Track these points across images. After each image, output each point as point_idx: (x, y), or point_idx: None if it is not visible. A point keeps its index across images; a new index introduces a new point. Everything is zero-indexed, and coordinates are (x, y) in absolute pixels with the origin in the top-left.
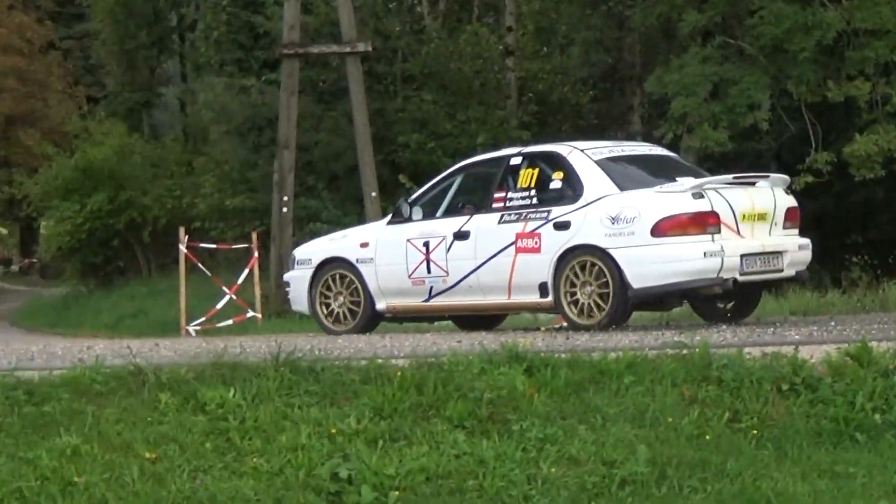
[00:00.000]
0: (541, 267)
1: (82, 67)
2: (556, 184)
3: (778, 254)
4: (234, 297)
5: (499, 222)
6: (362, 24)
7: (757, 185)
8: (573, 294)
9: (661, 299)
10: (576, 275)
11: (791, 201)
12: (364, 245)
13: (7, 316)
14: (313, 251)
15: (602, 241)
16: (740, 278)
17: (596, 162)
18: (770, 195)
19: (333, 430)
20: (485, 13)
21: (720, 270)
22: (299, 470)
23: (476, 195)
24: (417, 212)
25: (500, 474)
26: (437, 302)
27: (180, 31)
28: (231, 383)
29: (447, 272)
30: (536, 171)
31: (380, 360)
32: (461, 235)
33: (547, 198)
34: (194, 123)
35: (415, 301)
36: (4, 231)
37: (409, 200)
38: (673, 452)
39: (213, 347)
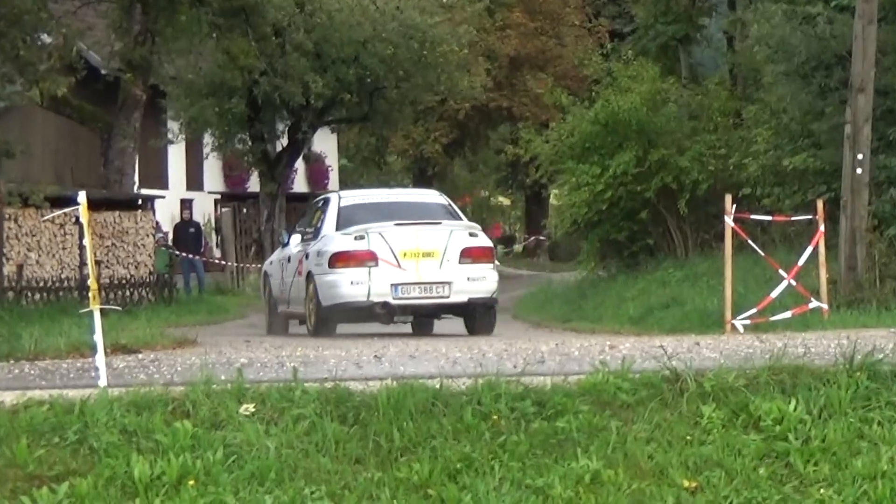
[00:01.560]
0: (302, 286)
1: None
2: (319, 223)
3: (444, 283)
4: (793, 282)
5: (298, 251)
6: None
7: (433, 227)
8: (310, 307)
9: (344, 316)
10: (309, 293)
11: (472, 242)
12: (271, 263)
13: (509, 307)
14: (266, 264)
15: (314, 269)
16: (393, 302)
17: (340, 207)
18: (442, 237)
19: None
20: None
21: (369, 295)
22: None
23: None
24: (295, 238)
25: None
26: (290, 309)
27: None
28: (792, 393)
29: (288, 286)
30: (320, 212)
31: None
32: (288, 259)
33: (313, 233)
34: (744, 63)
35: (286, 308)
36: (506, 201)
37: (289, 230)
38: None
39: (768, 347)
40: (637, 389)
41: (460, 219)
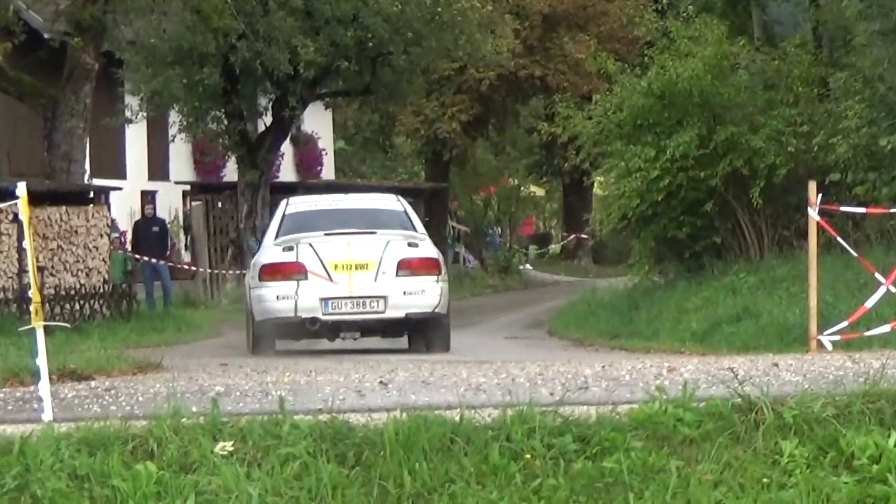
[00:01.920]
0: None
1: None
2: (267, 231)
3: (378, 298)
4: (892, 288)
5: (252, 261)
6: None
7: (367, 236)
8: (248, 322)
9: (277, 332)
10: (248, 307)
11: (411, 253)
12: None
13: (543, 320)
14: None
15: (250, 282)
16: (323, 317)
17: (285, 215)
18: (377, 247)
19: None
20: None
21: (296, 310)
22: None
23: None
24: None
25: None
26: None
27: None
28: (892, 425)
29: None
30: (273, 218)
31: None
32: (250, 269)
33: (262, 242)
34: (831, 20)
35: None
36: (540, 192)
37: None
38: None
39: (862, 368)
40: (702, 421)
41: (414, 229)
